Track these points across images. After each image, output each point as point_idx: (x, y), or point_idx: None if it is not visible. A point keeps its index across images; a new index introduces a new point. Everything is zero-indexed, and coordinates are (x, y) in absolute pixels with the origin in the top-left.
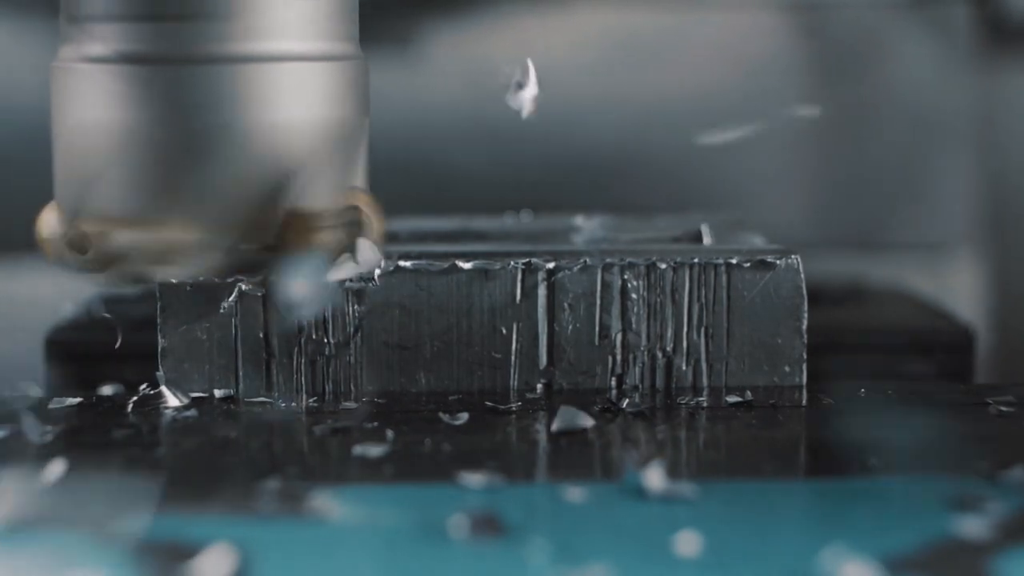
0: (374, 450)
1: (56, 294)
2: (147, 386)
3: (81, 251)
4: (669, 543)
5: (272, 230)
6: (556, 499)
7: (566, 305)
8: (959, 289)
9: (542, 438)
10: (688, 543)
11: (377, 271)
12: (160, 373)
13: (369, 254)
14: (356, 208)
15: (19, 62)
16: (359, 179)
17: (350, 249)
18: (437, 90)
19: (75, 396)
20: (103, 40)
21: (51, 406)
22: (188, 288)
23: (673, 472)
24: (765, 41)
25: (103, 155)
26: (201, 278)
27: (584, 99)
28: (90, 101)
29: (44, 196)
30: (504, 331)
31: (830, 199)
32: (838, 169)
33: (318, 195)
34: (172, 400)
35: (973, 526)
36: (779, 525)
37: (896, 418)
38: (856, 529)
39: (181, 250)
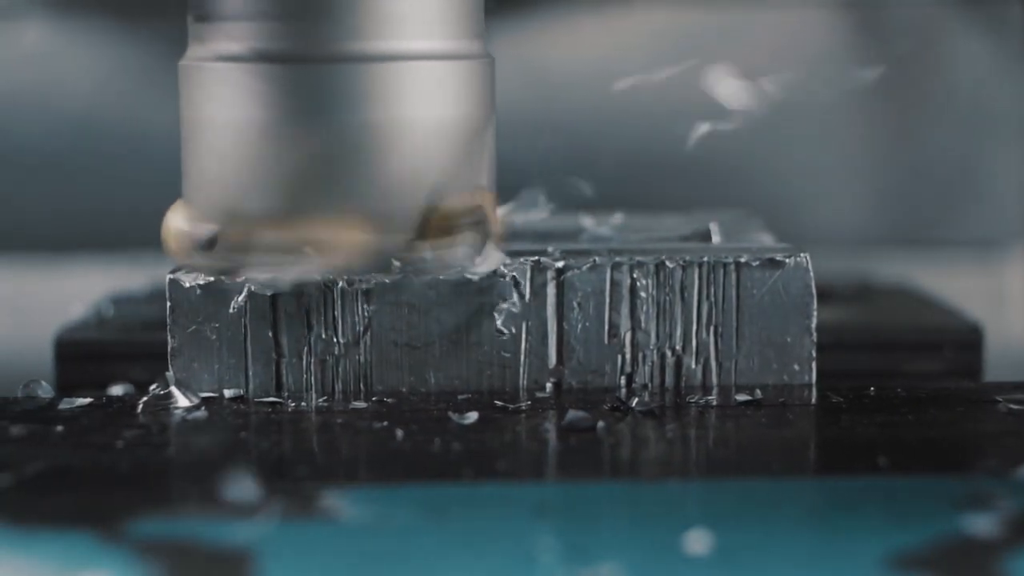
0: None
1: (66, 294)
2: (157, 386)
3: (208, 249)
4: (679, 541)
5: (404, 228)
6: (566, 498)
7: (575, 304)
8: (1012, 287)
9: (552, 437)
10: (698, 541)
11: (502, 270)
12: (169, 373)
13: (490, 253)
14: (480, 207)
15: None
16: (485, 178)
17: (473, 247)
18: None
19: (85, 396)
20: (237, 38)
21: (61, 406)
22: (198, 288)
23: (683, 471)
24: (821, 39)
25: (234, 153)
26: (326, 277)
27: (640, 98)
28: (222, 99)
29: (52, 196)
30: (513, 330)
31: (884, 197)
32: (892, 167)
33: (448, 193)
34: (182, 400)
35: (983, 524)
36: (789, 523)
37: (905, 416)
38: (866, 527)
39: (310, 249)
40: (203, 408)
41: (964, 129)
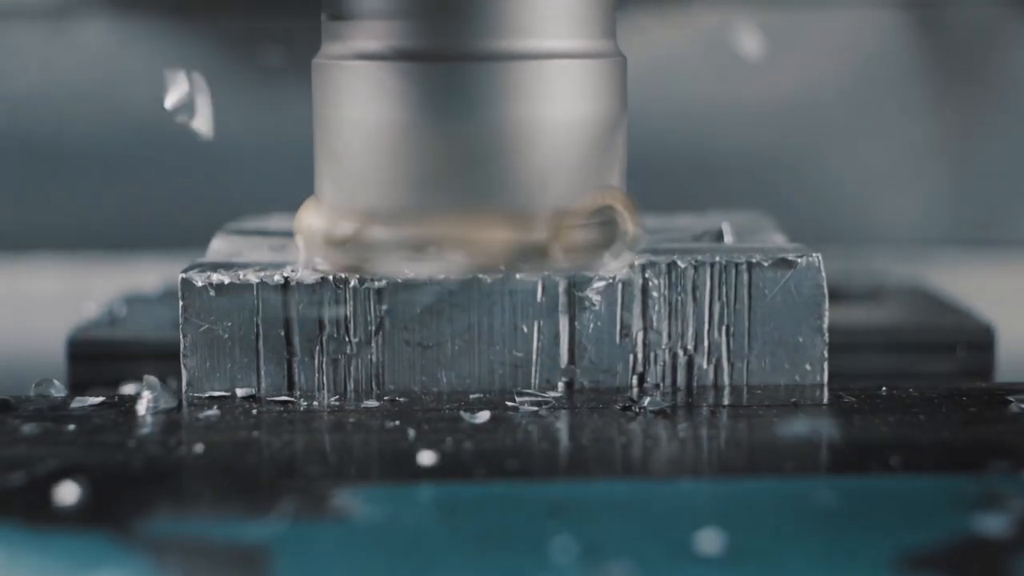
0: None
1: (78, 293)
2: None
3: (341, 246)
4: (691, 541)
5: (535, 227)
6: (578, 497)
7: (587, 304)
8: None
9: (563, 436)
10: (710, 541)
11: (626, 268)
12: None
13: (623, 253)
14: (612, 206)
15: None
16: (616, 177)
17: (605, 247)
18: None
19: (97, 395)
20: (375, 36)
21: (73, 405)
22: (210, 288)
23: (695, 470)
24: (880, 38)
25: (366, 151)
26: (454, 275)
27: (702, 96)
28: (360, 97)
29: (108, 196)
30: (525, 330)
31: (944, 197)
32: (952, 167)
33: (578, 192)
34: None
35: (995, 524)
36: (800, 523)
37: (917, 417)
38: (878, 527)
39: (442, 246)
40: (215, 407)
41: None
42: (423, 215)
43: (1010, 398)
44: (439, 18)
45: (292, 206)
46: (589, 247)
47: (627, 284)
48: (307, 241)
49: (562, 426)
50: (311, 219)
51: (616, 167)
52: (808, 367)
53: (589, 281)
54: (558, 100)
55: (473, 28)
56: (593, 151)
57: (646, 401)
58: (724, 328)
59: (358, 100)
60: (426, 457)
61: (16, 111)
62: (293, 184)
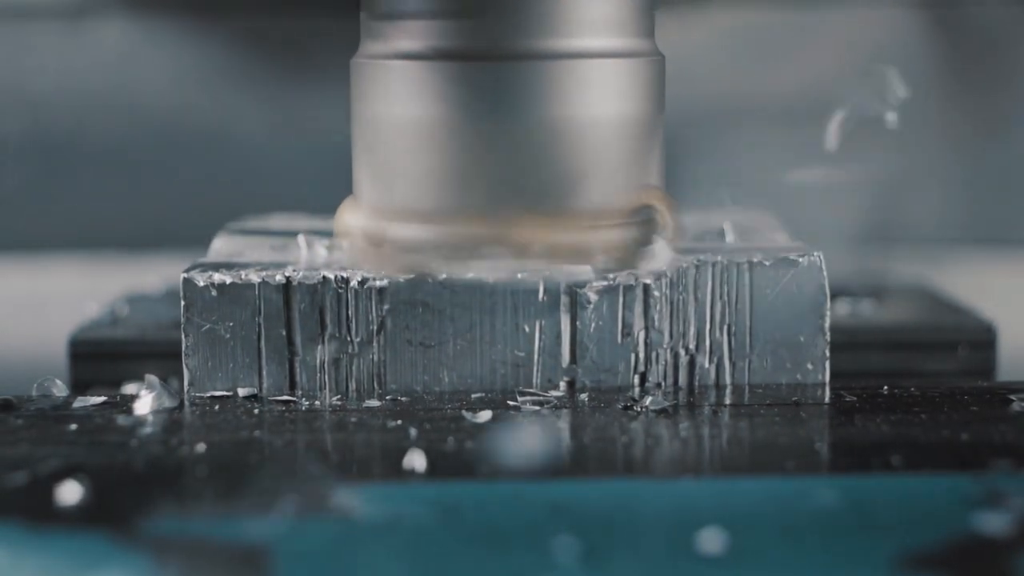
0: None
1: (81, 293)
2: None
3: (378, 245)
4: (693, 540)
5: (574, 226)
6: (580, 496)
7: (588, 303)
8: None
9: (565, 436)
10: (712, 540)
11: (666, 266)
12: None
13: (662, 252)
14: (651, 206)
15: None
16: (655, 176)
17: (644, 246)
18: None
19: (99, 395)
20: (416, 36)
21: (75, 405)
22: (212, 288)
23: (696, 469)
24: (894, 37)
25: (406, 150)
26: (493, 275)
27: (717, 95)
28: (400, 97)
29: (124, 196)
30: (527, 329)
31: (946, 197)
32: (958, 167)
33: (616, 192)
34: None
35: (996, 523)
36: (802, 522)
37: (918, 415)
38: (879, 526)
39: (479, 246)
40: (217, 406)
41: None
42: (462, 214)
43: (1011, 397)
44: (479, 18)
45: (294, 206)
46: (629, 246)
47: (629, 283)
48: (346, 240)
49: (563, 425)
50: (350, 218)
51: (654, 165)
52: (810, 366)
53: (588, 280)
54: (597, 99)
55: (513, 28)
56: (632, 150)
57: (648, 400)
58: (726, 327)
59: (397, 99)
60: (417, 462)
61: (32, 111)
62: (298, 184)
